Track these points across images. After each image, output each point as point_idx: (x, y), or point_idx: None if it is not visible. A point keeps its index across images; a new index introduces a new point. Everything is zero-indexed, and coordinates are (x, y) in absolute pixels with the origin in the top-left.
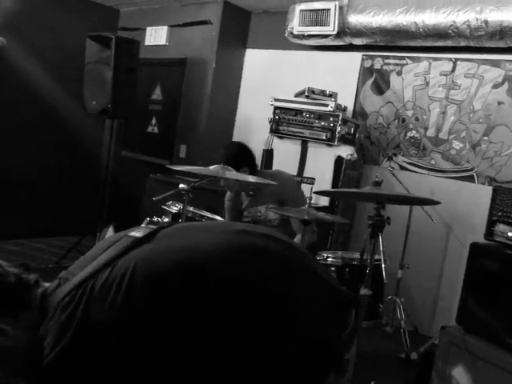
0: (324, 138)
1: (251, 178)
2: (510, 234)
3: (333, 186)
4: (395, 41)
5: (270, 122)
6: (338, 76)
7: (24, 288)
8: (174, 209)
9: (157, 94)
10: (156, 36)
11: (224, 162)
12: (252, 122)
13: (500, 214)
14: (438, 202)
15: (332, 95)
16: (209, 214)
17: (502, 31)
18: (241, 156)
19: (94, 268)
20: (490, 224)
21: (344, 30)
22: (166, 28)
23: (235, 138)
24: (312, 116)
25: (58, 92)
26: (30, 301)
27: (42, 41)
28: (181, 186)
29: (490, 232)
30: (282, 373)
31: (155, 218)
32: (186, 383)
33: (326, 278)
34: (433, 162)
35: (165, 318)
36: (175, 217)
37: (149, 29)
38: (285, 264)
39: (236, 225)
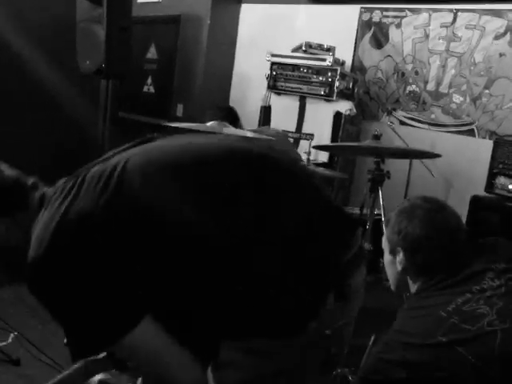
0: (322, 93)
1: (249, 134)
2: (510, 187)
3: (332, 142)
4: None
5: (267, 78)
6: (336, 30)
7: (21, 190)
8: None
9: (152, 53)
10: None
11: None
12: (249, 79)
13: (501, 166)
14: (438, 155)
15: (330, 49)
16: None
17: None
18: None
19: (89, 163)
20: (491, 177)
21: None
22: None
23: (232, 96)
24: (310, 71)
25: (51, 54)
26: (27, 203)
27: (28, 3)
28: None
29: (490, 185)
30: (284, 285)
31: None
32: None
33: (331, 199)
34: (433, 116)
35: (157, 215)
36: None
37: None
38: (291, 176)
39: (240, 135)
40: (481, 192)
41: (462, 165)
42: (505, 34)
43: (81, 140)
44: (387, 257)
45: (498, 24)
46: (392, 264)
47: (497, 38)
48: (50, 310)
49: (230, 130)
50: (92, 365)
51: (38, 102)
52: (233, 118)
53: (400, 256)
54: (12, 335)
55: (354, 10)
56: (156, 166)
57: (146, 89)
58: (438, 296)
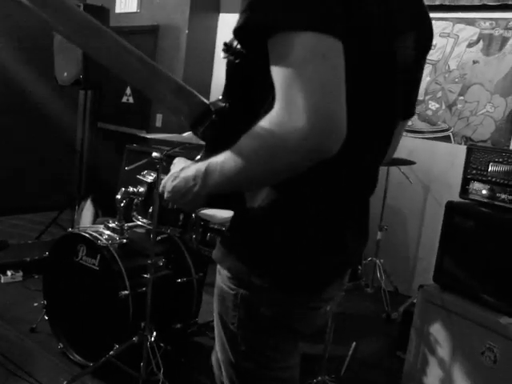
0: None
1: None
2: (484, 192)
3: None
4: None
5: None
6: None
7: None
8: (150, 178)
9: None
10: (126, 3)
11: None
12: None
13: (474, 172)
14: (413, 162)
15: None
16: None
17: None
18: None
19: None
20: (465, 182)
21: None
22: None
23: None
24: None
25: (28, 66)
26: None
27: (5, 11)
28: (154, 154)
29: (464, 190)
30: None
31: (131, 189)
32: None
33: None
34: (410, 123)
35: None
36: (150, 186)
37: None
38: None
39: None
40: (457, 196)
41: (439, 171)
42: (477, 41)
43: (60, 150)
44: None
45: (470, 32)
46: None
47: (470, 45)
48: None
49: None
50: None
51: (18, 111)
52: None
53: None
54: None
55: None
56: None
57: (124, 99)
58: None
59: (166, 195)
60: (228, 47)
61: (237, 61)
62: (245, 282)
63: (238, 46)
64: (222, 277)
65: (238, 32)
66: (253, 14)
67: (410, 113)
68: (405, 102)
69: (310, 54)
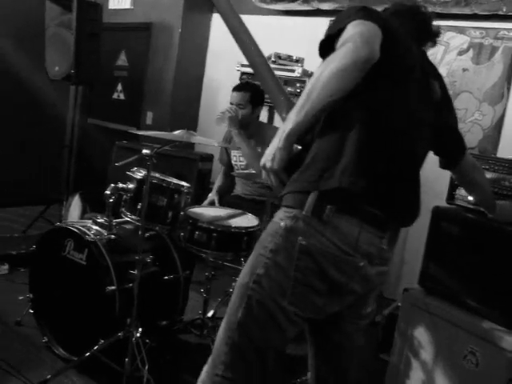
0: None
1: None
2: (470, 198)
3: None
4: None
5: None
6: (306, 41)
7: None
8: (139, 175)
9: (122, 60)
10: None
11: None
12: (219, 88)
13: None
14: None
15: (299, 61)
16: (175, 180)
17: None
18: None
19: None
20: (452, 188)
21: None
22: None
23: (202, 104)
24: None
25: (19, 57)
26: None
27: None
28: (144, 151)
29: (451, 196)
30: None
31: (120, 185)
32: None
33: None
34: None
35: None
36: (140, 182)
37: None
38: None
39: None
40: (444, 203)
41: (428, 176)
42: (467, 50)
43: (50, 144)
44: None
45: (461, 40)
46: None
47: (460, 53)
48: None
49: (197, 138)
50: None
51: (7, 102)
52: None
53: None
54: None
55: (323, 23)
56: None
57: (115, 96)
58: None
59: (262, 160)
60: None
61: None
62: (293, 213)
63: None
64: (278, 213)
65: (324, 39)
66: (329, 29)
67: (461, 149)
68: (449, 143)
69: (360, 23)
